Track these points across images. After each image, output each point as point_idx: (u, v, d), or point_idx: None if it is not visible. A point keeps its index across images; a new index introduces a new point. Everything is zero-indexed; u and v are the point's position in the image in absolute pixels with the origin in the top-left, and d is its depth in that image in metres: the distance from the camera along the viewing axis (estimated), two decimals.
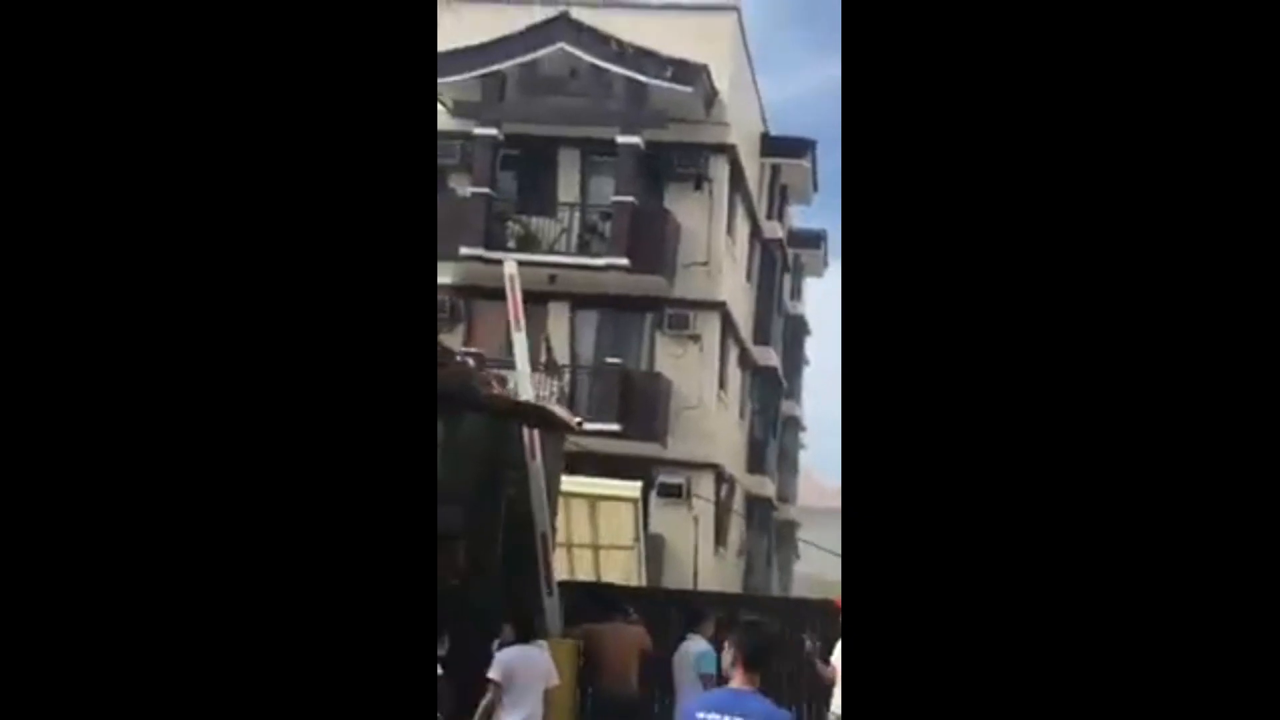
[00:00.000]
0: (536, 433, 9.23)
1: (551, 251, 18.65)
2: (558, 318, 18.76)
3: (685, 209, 18.99)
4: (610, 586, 11.85)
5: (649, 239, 18.40)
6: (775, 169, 23.14)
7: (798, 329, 28.06)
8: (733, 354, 20.90)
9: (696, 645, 8.57)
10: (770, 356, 23.24)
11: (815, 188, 24.98)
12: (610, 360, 18.59)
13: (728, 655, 4.10)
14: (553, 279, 18.16)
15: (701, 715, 3.83)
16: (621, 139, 18.44)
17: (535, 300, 16.50)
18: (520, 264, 16.18)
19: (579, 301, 18.72)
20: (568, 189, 19.47)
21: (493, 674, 7.54)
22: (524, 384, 9.48)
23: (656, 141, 18.63)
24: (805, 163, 23.42)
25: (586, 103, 18.77)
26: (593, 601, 9.45)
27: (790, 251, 25.87)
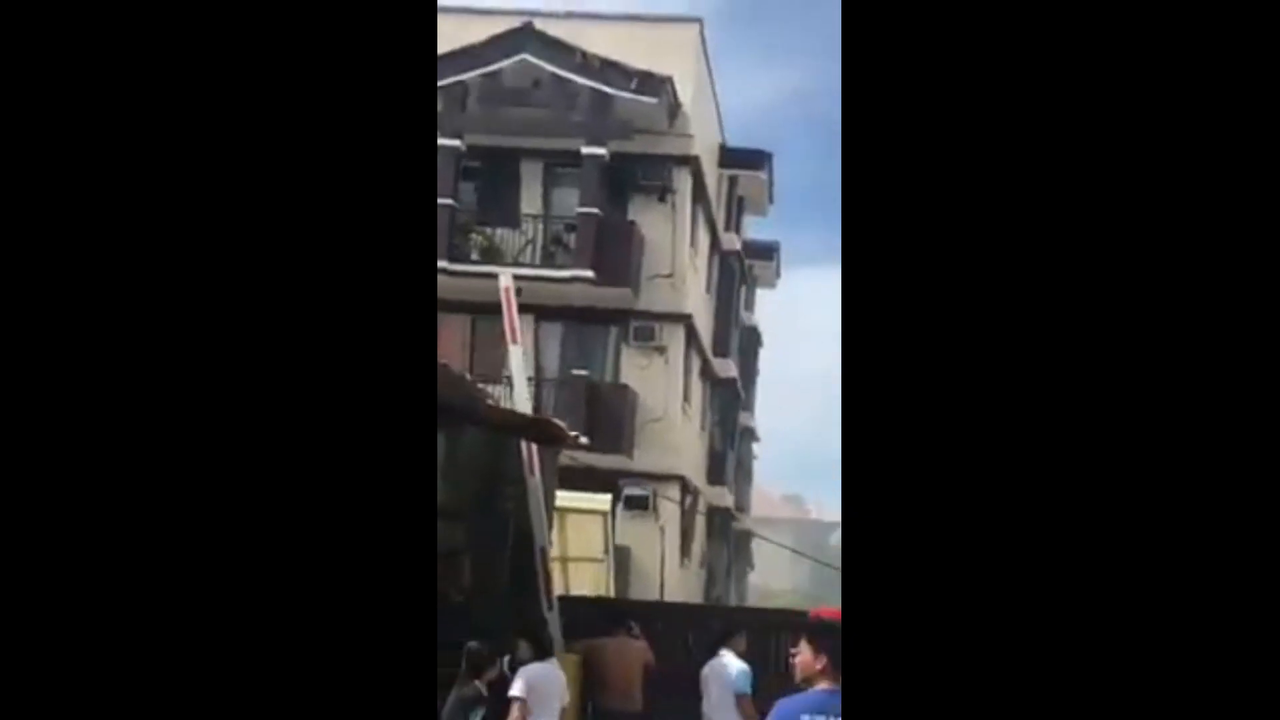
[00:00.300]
0: (535, 447, 9.13)
1: (516, 263, 18.51)
2: (522, 330, 18.62)
3: (649, 221, 18.99)
4: (613, 601, 11.74)
5: (614, 251, 18.37)
6: (733, 180, 23.22)
7: (752, 340, 28.17)
8: (695, 366, 20.92)
9: (734, 662, 8.50)
10: (729, 368, 23.30)
11: (771, 199, 25.12)
12: (576, 372, 18.51)
13: (807, 658, 4.11)
14: (519, 291, 18.03)
15: (807, 718, 3.92)
16: (586, 150, 18.40)
17: (498, 312, 16.39)
18: (484, 276, 16.26)
19: (543, 313, 18.59)
20: (530, 200, 19.39)
21: (516, 691, 7.48)
22: (522, 397, 9.38)
23: (621, 153, 18.62)
24: (762, 174, 23.54)
25: (550, 114, 18.69)
26: (594, 616, 9.36)
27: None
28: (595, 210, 18.35)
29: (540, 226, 19.17)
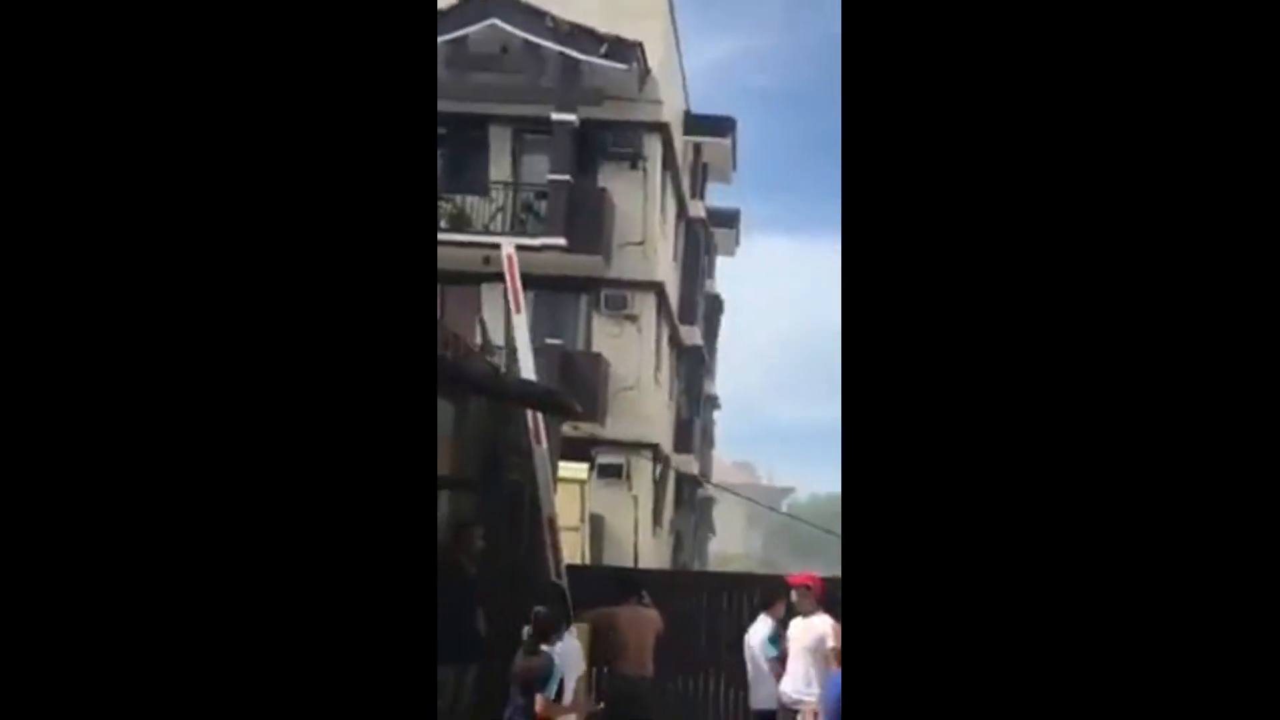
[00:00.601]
0: (540, 417, 9.07)
1: (485, 231, 18.35)
2: (492, 299, 18.47)
3: (619, 188, 18.88)
4: (619, 570, 11.75)
5: (586, 218, 18.27)
6: (697, 147, 23.15)
7: (715, 308, 28.21)
8: (664, 334, 20.91)
9: (767, 627, 8.55)
10: (695, 336, 23.33)
11: (735, 166, 25.09)
12: (549, 341, 18.39)
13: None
14: (487, 260, 17.83)
15: None
16: (557, 116, 18.25)
17: (469, 281, 16.28)
18: (454, 244, 16.09)
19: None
20: (499, 168, 19.18)
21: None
22: (527, 367, 9.29)
23: (591, 119, 18.48)
24: (727, 141, 23.49)
25: (519, 80, 18.49)
26: (601, 584, 9.35)
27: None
28: (566, 177, 18.22)
29: (509, 194, 18.98)
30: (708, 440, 28.51)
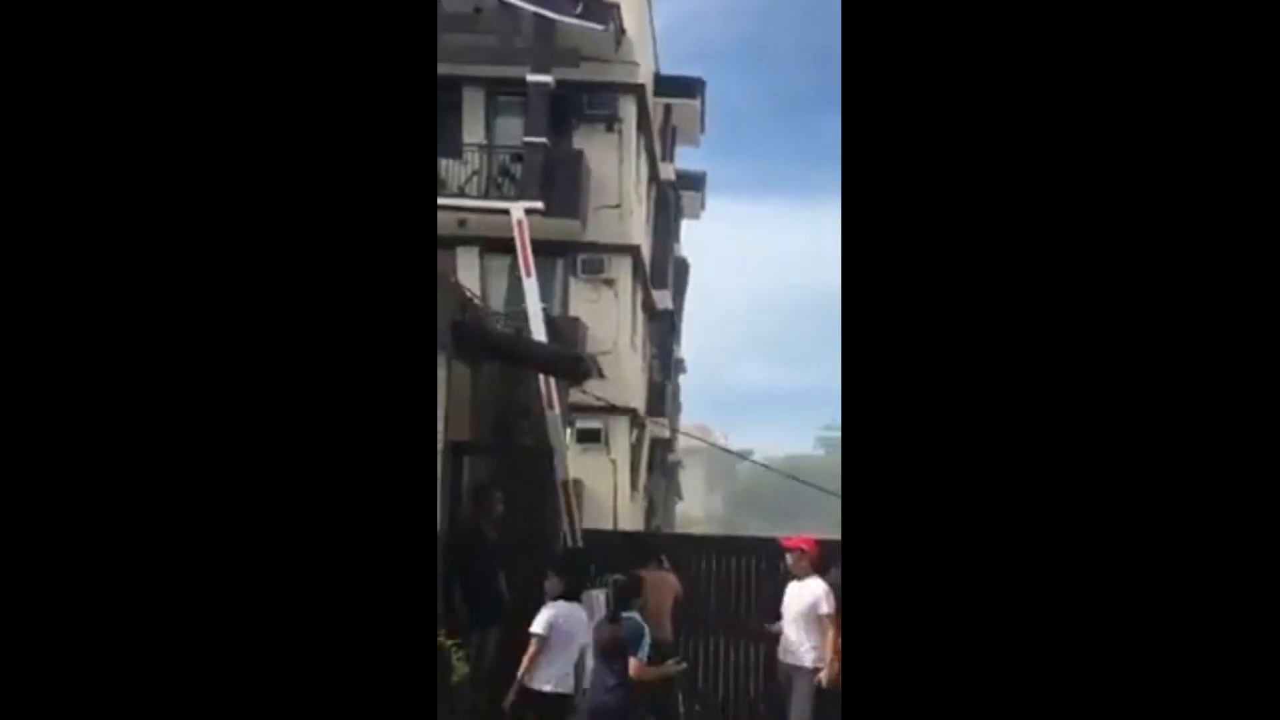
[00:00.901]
0: (553, 381, 8.97)
1: (461, 194, 18.11)
2: (468, 263, 18.28)
3: (594, 150, 18.69)
4: (635, 534, 11.70)
5: (562, 181, 18.08)
6: (667, 109, 22.98)
7: (682, 272, 28.13)
8: (639, 298, 20.82)
9: (821, 588, 8.57)
10: (666, 300, 23.25)
11: (703, 129, 24.95)
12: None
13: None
14: (463, 223, 17.66)
15: None
16: (532, 78, 18.00)
17: (444, 245, 16.01)
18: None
19: (490, 246, 18.24)
20: (472, 130, 18.91)
21: (536, 628, 7.55)
22: (538, 331, 9.18)
23: (566, 81, 18.25)
24: (696, 103, 23.34)
25: (493, 41, 18.21)
26: (615, 548, 9.31)
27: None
28: (543, 140, 18.00)
29: (483, 156, 18.73)
30: (675, 404, 28.52)
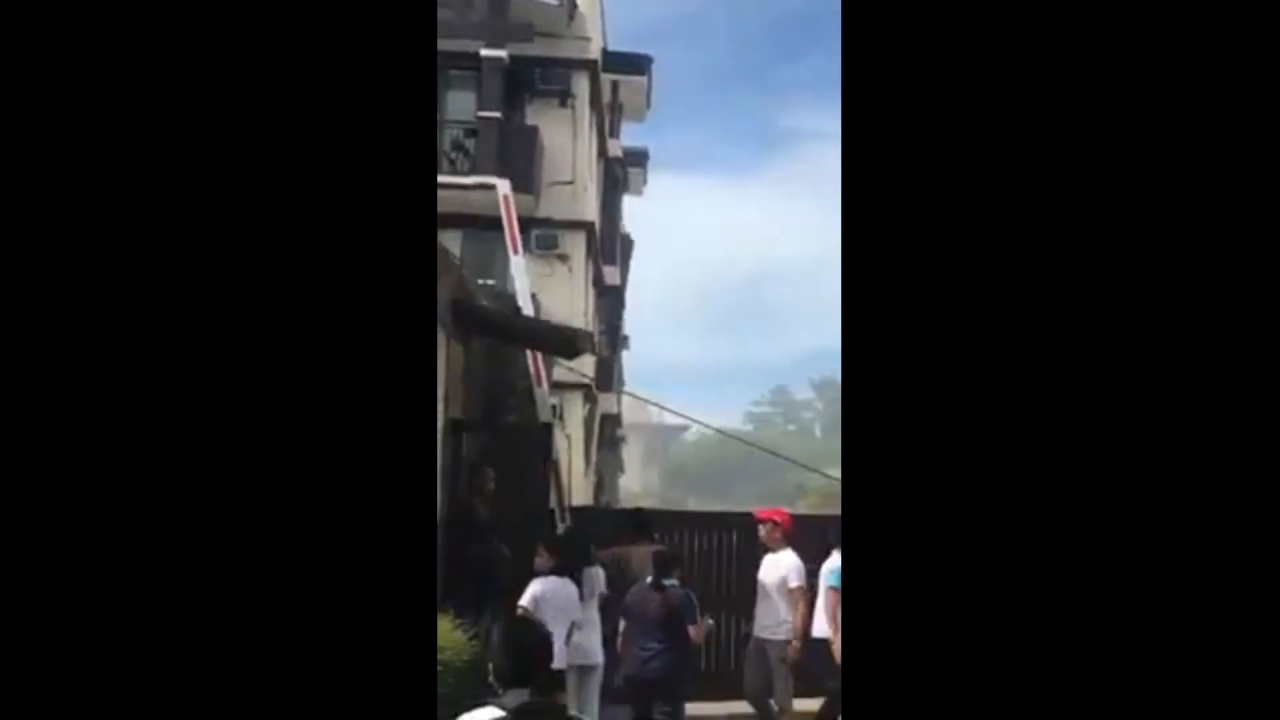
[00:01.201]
0: (541, 358, 8.98)
1: None
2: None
3: (547, 126, 18.60)
4: (625, 510, 11.72)
5: (517, 157, 17.95)
6: (615, 85, 22.90)
7: (626, 248, 28.13)
8: (591, 274, 20.81)
9: (836, 561, 8.67)
10: (615, 275, 23.26)
11: (649, 105, 24.93)
12: (481, 282, 18.12)
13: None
14: None
15: None
16: (486, 52, 17.83)
17: None
18: None
19: (443, 221, 18.07)
20: None
21: (524, 603, 7.64)
22: (526, 308, 9.16)
23: (520, 56, 18.12)
24: (643, 79, 23.31)
25: (446, 15, 17.96)
26: (600, 524, 9.35)
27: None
28: (497, 115, 17.87)
29: (436, 132, 18.55)
30: (620, 380, 28.57)
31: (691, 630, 7.56)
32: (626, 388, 36.58)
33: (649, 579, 7.82)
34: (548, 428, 9.07)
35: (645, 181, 29.27)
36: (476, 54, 17.92)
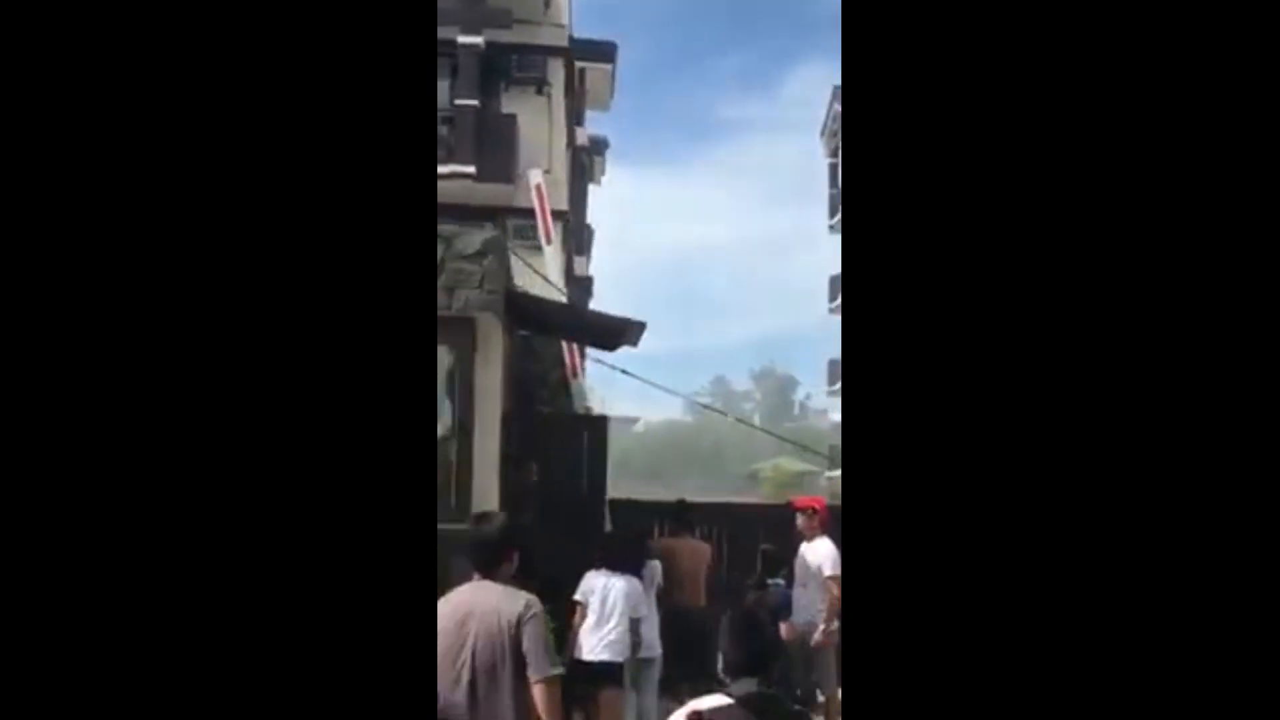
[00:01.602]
0: (576, 349, 8.82)
1: None
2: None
3: (523, 114, 18.37)
4: (664, 503, 11.58)
5: (494, 146, 17.72)
6: (581, 73, 22.72)
7: (589, 238, 27.99)
8: (564, 265, 20.64)
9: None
10: (585, 266, 23.11)
11: (613, 93, 24.79)
12: None
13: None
14: None
15: None
16: (463, 39, 17.56)
17: None
18: None
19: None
20: None
21: (578, 596, 7.62)
22: (560, 297, 8.98)
23: (496, 43, 17.88)
24: (609, 67, 23.16)
25: None
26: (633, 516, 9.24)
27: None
28: (474, 103, 17.61)
29: None
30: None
31: (784, 628, 7.63)
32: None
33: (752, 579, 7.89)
34: (602, 419, 8.91)
35: (604, 171, 29.16)
36: (452, 41, 17.64)
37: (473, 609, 4.30)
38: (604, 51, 22.87)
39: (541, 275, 9.16)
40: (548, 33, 18.53)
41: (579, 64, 22.43)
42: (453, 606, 4.30)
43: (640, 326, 8.59)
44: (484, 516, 4.82)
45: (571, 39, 22.18)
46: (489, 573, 4.43)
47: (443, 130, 18.02)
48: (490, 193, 17.79)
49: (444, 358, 7.12)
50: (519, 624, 4.24)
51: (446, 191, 17.49)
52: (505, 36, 17.85)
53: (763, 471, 43.81)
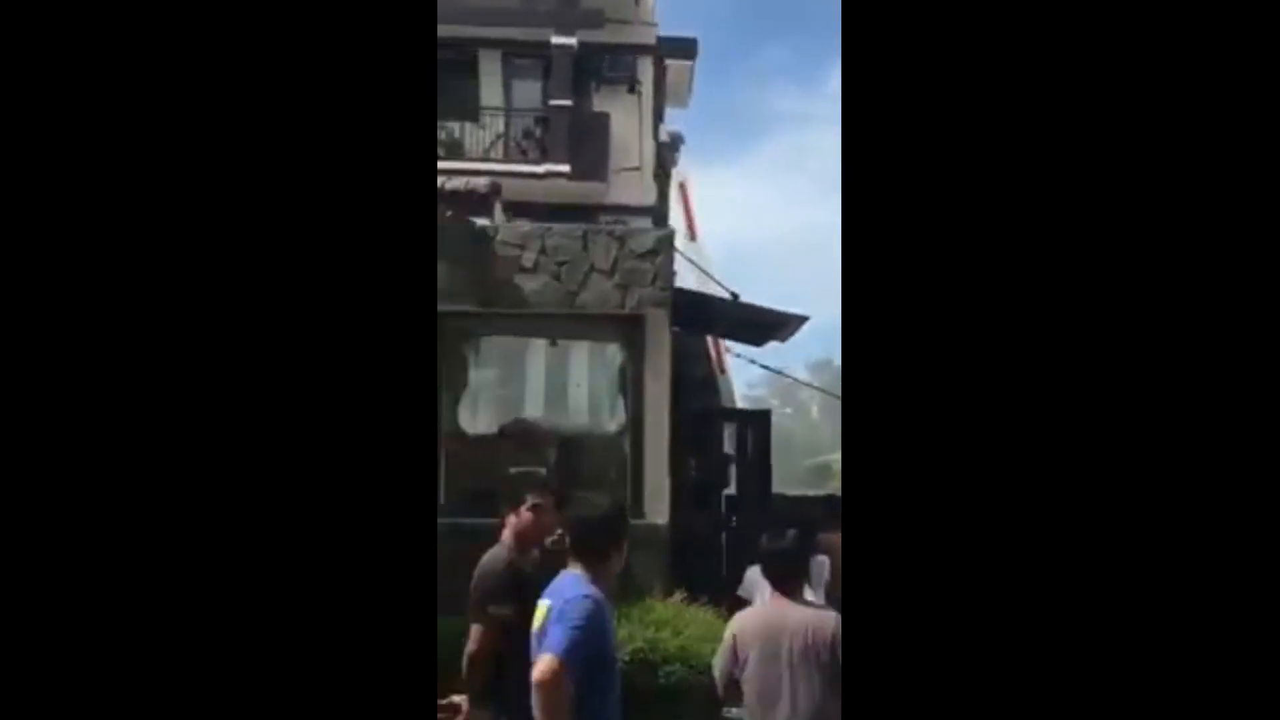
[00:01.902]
0: (722, 346, 8.94)
1: (485, 159, 17.83)
2: None
3: (615, 113, 18.56)
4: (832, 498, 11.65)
5: (588, 144, 17.91)
6: (664, 70, 22.80)
7: None
8: None
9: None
10: None
11: (691, 90, 24.80)
12: None
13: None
14: (497, 189, 17.39)
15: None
16: (556, 40, 17.75)
17: (475, 210, 15.80)
18: (455, 173, 15.60)
19: (518, 210, 18.02)
20: (490, 93, 18.59)
21: (741, 592, 7.68)
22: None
23: (588, 43, 18.05)
24: (691, 64, 23.18)
25: (513, 2, 17.90)
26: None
27: None
28: (568, 103, 17.79)
29: (503, 120, 18.45)
30: None
31: None
32: None
33: None
34: (765, 414, 9.02)
35: (675, 164, 29.21)
36: (544, 42, 17.83)
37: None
38: (686, 48, 22.87)
39: (701, 269, 9.30)
40: (638, 31, 18.66)
41: (663, 61, 22.55)
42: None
43: (801, 320, 8.69)
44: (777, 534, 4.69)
45: (657, 36, 22.32)
46: (787, 588, 4.52)
47: (536, 130, 18.25)
48: (583, 190, 17.99)
49: (615, 355, 7.26)
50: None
51: (540, 190, 17.73)
52: (598, 36, 18.01)
53: (834, 464, 43.62)
